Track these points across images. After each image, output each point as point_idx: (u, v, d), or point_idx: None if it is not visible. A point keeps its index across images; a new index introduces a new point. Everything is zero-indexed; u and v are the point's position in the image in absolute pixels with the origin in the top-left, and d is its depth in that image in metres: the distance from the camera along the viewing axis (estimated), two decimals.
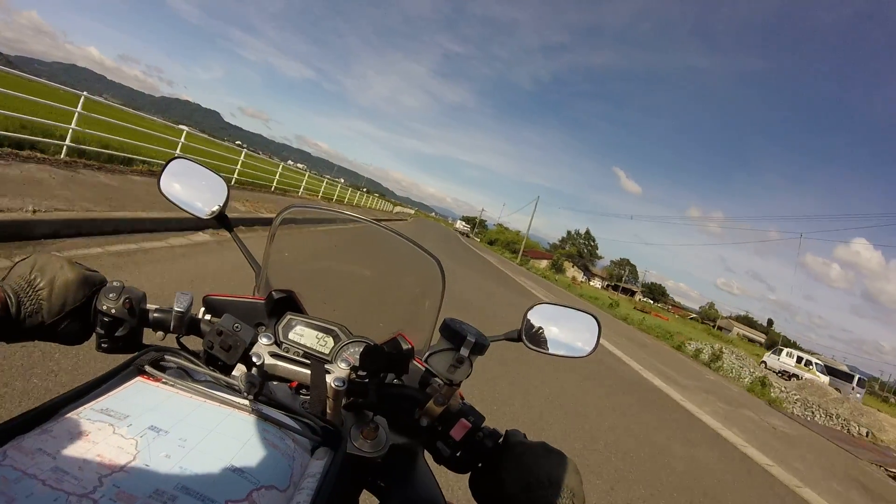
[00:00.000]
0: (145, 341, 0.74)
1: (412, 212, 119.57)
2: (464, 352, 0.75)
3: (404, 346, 0.77)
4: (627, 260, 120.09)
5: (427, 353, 0.79)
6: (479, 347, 0.76)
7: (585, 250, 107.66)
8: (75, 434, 0.44)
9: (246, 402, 0.58)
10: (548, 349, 1.03)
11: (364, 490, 0.82)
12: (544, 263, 78.54)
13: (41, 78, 10.14)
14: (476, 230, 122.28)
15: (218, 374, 0.64)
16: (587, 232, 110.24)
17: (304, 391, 0.80)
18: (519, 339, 1.01)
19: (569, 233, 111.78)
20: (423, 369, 0.84)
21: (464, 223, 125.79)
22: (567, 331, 1.06)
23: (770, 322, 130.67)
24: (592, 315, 1.08)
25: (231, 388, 0.61)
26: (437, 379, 0.79)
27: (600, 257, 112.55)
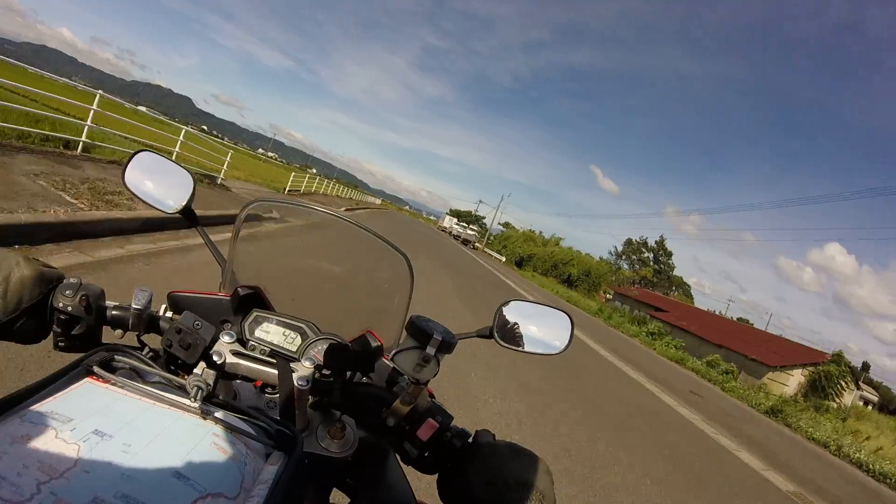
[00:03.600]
0: (106, 340, 0.72)
1: (377, 201, 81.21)
2: (430, 350, 0.72)
3: (373, 344, 0.76)
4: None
5: (393, 352, 0.76)
6: (447, 346, 0.74)
7: (660, 269, 68.78)
8: (16, 438, 0.43)
9: (197, 404, 0.56)
10: (522, 346, 1.03)
11: (335, 489, 0.82)
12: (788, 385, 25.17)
13: (9, 58, 9.97)
14: (477, 234, 70.36)
15: (170, 375, 0.62)
16: (661, 242, 69.30)
17: (269, 390, 0.79)
18: (490, 336, 1.01)
19: (630, 242, 71.43)
20: (391, 367, 0.81)
21: (459, 222, 75.68)
22: (540, 327, 1.05)
23: (866, 367, 76.38)
24: (565, 312, 1.08)
25: (183, 390, 0.59)
26: (404, 377, 0.78)
27: (686, 284, 71.47)
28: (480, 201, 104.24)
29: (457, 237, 63.48)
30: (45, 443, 0.44)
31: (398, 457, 0.82)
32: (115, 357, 0.62)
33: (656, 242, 69.83)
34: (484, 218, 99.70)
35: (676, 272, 70.48)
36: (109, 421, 0.49)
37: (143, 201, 1.05)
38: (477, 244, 64.05)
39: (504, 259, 59.62)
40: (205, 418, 0.56)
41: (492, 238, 73.52)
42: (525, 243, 66.52)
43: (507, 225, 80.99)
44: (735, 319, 53.14)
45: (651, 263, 68.13)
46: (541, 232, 73.43)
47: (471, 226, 74.24)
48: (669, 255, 69.50)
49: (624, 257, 71.29)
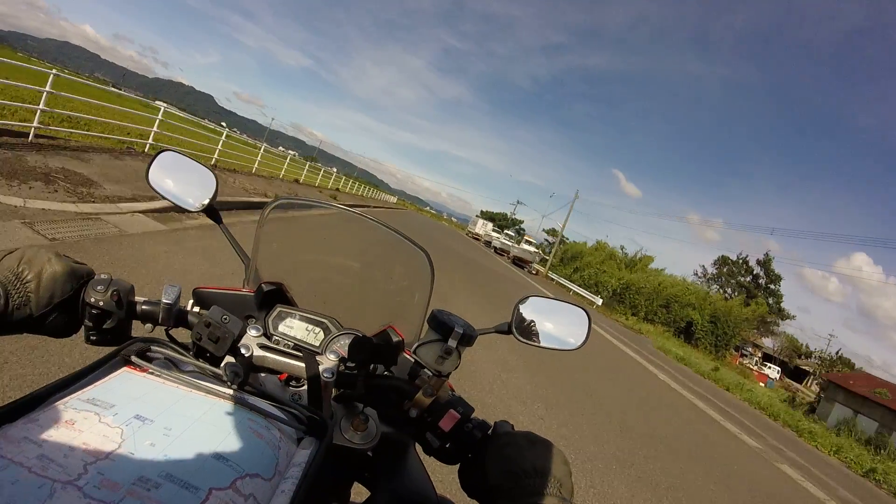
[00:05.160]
0: (134, 334, 0.74)
1: (392, 199, 70.85)
2: (452, 343, 0.75)
3: (394, 338, 0.77)
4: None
5: (416, 345, 0.79)
6: (467, 339, 0.77)
7: (773, 302, 47.99)
8: (61, 423, 0.45)
9: (231, 391, 0.59)
10: (538, 342, 1.04)
11: (356, 482, 0.84)
12: None
13: (33, 55, 11.15)
14: (537, 252, 43.58)
15: (204, 365, 0.65)
16: (767, 262, 49.96)
17: (293, 383, 0.81)
18: (509, 332, 1.02)
19: (725, 261, 52.70)
20: (413, 361, 0.84)
21: (497, 228, 58.15)
22: (558, 324, 1.06)
23: None
24: (583, 309, 1.09)
25: (217, 379, 0.62)
26: (426, 370, 0.80)
27: (791, 316, 48.32)
28: (518, 202, 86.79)
29: (501, 252, 42.72)
30: (89, 427, 0.45)
31: (418, 449, 0.83)
32: (151, 348, 0.65)
33: (759, 262, 50.12)
34: (522, 222, 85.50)
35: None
36: (149, 407, 0.51)
37: (166, 199, 1.07)
38: (537, 266, 40.60)
39: (601, 300, 33.56)
40: (239, 404, 0.58)
41: (553, 255, 45.29)
42: (604, 265, 42.60)
43: (552, 232, 55.87)
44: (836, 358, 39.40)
45: (760, 294, 48.26)
46: (623, 247, 48.25)
47: (526, 237, 48.47)
48: (777, 279, 49.51)
49: (715, 281, 52.62)
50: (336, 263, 1.29)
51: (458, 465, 0.78)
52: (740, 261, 51.87)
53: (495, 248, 45.07)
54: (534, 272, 38.75)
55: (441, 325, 0.78)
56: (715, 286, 51.80)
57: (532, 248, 42.45)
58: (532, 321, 1.04)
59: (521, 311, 1.04)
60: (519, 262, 38.80)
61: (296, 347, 0.89)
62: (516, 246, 42.22)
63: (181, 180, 1.09)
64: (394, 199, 76.39)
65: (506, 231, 52.52)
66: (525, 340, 1.03)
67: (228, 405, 0.57)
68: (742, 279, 51.34)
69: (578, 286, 36.62)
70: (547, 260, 44.34)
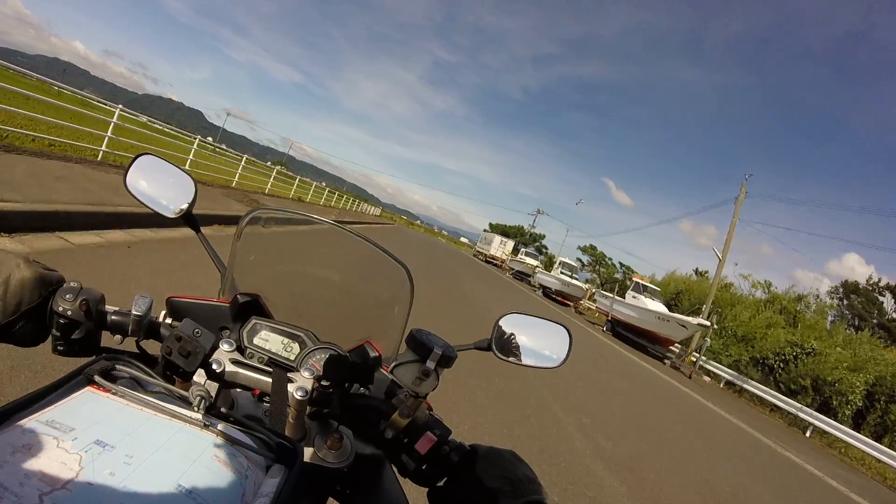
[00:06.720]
0: (105, 344, 0.73)
1: (374, 210, 58.12)
2: (430, 364, 0.73)
3: (371, 355, 0.77)
4: None
5: (393, 364, 0.77)
6: (446, 360, 0.75)
7: None
8: (18, 447, 0.43)
9: (198, 416, 0.56)
10: (519, 359, 1.02)
11: (330, 498, 0.81)
12: None
13: (24, 70, 10.35)
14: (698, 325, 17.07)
15: (171, 386, 0.62)
16: None
17: (267, 399, 0.78)
18: (489, 349, 1.01)
19: (853, 288, 34.34)
20: (390, 379, 0.81)
21: (533, 254, 46.72)
22: (539, 340, 1.05)
23: None
24: (564, 326, 1.08)
25: (184, 401, 0.59)
26: (403, 390, 0.77)
27: None
28: (539, 211, 63.07)
29: (561, 298, 28.48)
30: (46, 453, 0.43)
31: (395, 469, 0.82)
32: (117, 366, 0.62)
33: (889, 288, 33.02)
34: (544, 237, 72.60)
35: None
36: (111, 431, 0.49)
37: (144, 204, 1.04)
38: (679, 346, 20.84)
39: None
40: (206, 430, 0.55)
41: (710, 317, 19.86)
42: (793, 332, 22.15)
43: (590, 249, 45.26)
44: None
45: None
46: (770, 283, 28.93)
47: (636, 277, 27.19)
48: None
49: (837, 313, 33.09)
50: (314, 275, 1.27)
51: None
52: (872, 287, 34.09)
53: (546, 288, 28.89)
54: (688, 370, 19.07)
55: (420, 345, 0.75)
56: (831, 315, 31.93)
57: (673, 315, 20.02)
58: (512, 336, 1.03)
59: (501, 327, 1.03)
60: (639, 337, 20.46)
61: (270, 362, 0.87)
62: (622, 301, 22.27)
63: (160, 185, 1.06)
64: (377, 211, 61.95)
65: (562, 260, 35.30)
66: (505, 358, 1.02)
67: (194, 431, 0.54)
68: (877, 316, 33.27)
69: (811, 413, 16.32)
70: (708, 323, 18.93)
